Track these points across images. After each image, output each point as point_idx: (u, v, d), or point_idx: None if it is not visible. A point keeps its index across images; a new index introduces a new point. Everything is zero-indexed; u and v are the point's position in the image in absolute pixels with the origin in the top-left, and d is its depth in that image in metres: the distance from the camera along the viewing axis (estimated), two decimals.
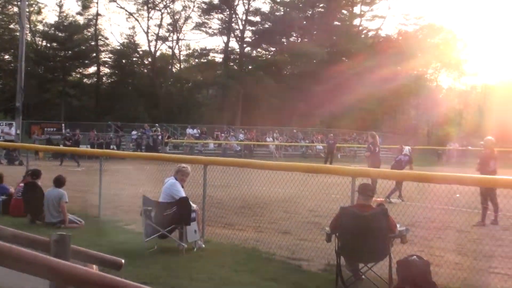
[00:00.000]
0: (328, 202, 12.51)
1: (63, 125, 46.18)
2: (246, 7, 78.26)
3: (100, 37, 76.06)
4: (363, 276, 8.60)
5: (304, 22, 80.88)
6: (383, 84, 68.01)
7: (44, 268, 2.05)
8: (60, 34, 72.30)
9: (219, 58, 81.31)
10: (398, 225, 8.62)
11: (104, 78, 79.67)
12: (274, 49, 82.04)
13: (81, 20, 75.00)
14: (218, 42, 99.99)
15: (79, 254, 3.09)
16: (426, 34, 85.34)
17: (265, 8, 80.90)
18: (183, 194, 10.87)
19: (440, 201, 10.62)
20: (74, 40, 72.72)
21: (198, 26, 78.47)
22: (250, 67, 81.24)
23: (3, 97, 62.20)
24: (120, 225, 13.49)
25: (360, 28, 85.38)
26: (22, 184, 14.62)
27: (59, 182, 13.57)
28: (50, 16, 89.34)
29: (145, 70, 79.90)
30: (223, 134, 56.58)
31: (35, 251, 2.25)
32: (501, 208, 14.68)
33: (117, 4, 75.26)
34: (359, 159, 52.80)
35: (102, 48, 77.20)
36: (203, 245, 10.98)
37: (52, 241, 2.90)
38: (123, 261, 3.38)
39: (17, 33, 48.91)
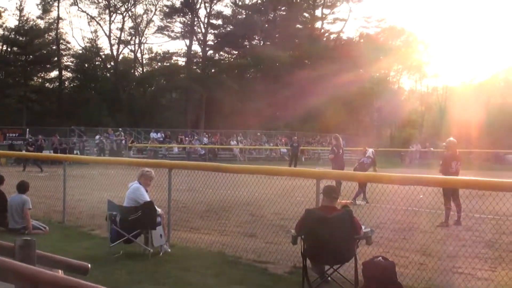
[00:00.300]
0: (293, 204, 12.52)
1: (27, 130, 45.59)
2: (208, 10, 78.42)
3: (61, 41, 75.62)
4: (329, 278, 8.63)
5: (266, 26, 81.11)
6: (346, 86, 68.45)
7: (9, 273, 2.04)
8: (20, 38, 71.57)
9: (181, 61, 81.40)
10: (363, 227, 8.66)
11: (66, 83, 79.09)
12: (237, 52, 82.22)
13: (42, 24, 74.49)
14: (180, 46, 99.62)
15: (44, 259, 3.06)
16: (388, 37, 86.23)
17: (227, 11, 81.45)
18: (148, 198, 10.82)
19: (404, 203, 10.71)
20: (35, 44, 72.03)
21: (160, 29, 78.46)
22: (213, 70, 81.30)
23: None
24: (85, 230, 13.37)
25: (322, 31, 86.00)
26: None
27: (22, 188, 13.41)
28: (10, 20, 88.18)
29: (108, 74, 79.47)
30: (187, 138, 56.43)
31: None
32: (463, 209, 14.84)
33: (79, 7, 75.00)
34: (323, 162, 53.02)
35: (64, 52, 76.70)
36: (169, 250, 10.94)
37: (16, 247, 2.87)
38: (89, 265, 3.36)
39: None
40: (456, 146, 16.00)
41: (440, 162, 16.02)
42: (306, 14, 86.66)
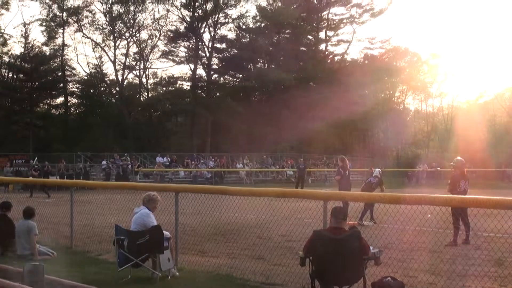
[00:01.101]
0: (300, 226, 12.50)
1: (35, 158, 45.62)
2: (212, 34, 78.68)
3: (67, 67, 75.91)
4: None
5: (271, 48, 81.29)
6: (351, 107, 68.50)
7: None
8: (26, 65, 71.96)
9: (186, 86, 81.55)
10: (371, 247, 8.64)
11: (72, 109, 79.39)
12: (241, 75, 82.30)
13: (47, 50, 74.89)
14: (185, 70, 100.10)
15: (53, 283, 3.07)
16: (392, 58, 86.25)
17: (231, 35, 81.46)
18: (156, 223, 10.82)
19: (412, 222, 10.68)
20: (40, 71, 72.42)
21: (165, 54, 78.69)
22: (218, 94, 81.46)
23: None
24: (93, 255, 13.36)
25: (326, 53, 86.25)
26: None
27: (28, 213, 13.41)
28: (15, 47, 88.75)
29: (113, 100, 79.68)
30: (193, 162, 56.42)
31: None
32: (472, 228, 14.79)
33: (83, 34, 75.25)
34: (330, 183, 52.90)
35: (69, 79, 77.04)
36: (177, 273, 10.90)
37: (25, 272, 2.89)
38: None
39: None
40: (464, 165, 15.96)
41: (448, 181, 15.98)
42: (310, 37, 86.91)
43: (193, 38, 77.79)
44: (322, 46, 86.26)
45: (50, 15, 73.84)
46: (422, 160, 66.76)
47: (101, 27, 75.76)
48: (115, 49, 76.81)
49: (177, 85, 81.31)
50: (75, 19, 74.34)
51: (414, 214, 9.84)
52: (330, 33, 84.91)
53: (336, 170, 23.45)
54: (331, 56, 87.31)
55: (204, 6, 76.43)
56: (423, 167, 62.24)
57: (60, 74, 75.28)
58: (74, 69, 77.66)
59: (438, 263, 11.30)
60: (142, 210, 10.93)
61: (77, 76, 78.13)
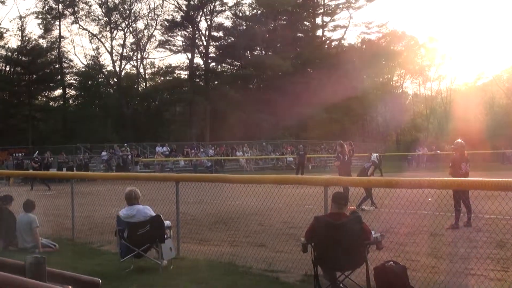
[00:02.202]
0: (301, 212, 12.52)
1: (37, 151, 45.48)
2: (209, 23, 78.55)
3: (64, 59, 75.78)
4: (341, 285, 8.60)
5: (267, 36, 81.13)
6: (349, 92, 68.48)
7: None
8: (23, 58, 71.87)
9: (184, 75, 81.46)
10: (372, 232, 8.64)
11: (70, 100, 79.34)
12: (239, 63, 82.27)
13: (44, 43, 74.70)
14: (182, 59, 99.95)
15: (55, 276, 3.05)
16: (389, 42, 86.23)
17: (228, 23, 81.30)
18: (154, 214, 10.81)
19: (413, 206, 10.68)
20: (38, 64, 72.34)
21: (162, 44, 78.66)
22: (216, 82, 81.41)
23: None
24: (95, 246, 13.37)
25: (323, 38, 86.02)
26: None
27: (28, 206, 13.42)
28: (12, 40, 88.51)
29: (111, 90, 79.63)
30: (193, 151, 56.40)
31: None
32: (473, 210, 14.79)
33: (80, 25, 75.13)
34: (330, 169, 52.95)
35: (67, 71, 76.92)
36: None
37: (27, 264, 2.87)
38: (100, 281, 3.35)
39: None
40: (465, 147, 15.94)
41: (449, 164, 15.97)
42: (306, 23, 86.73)
43: (190, 27, 77.68)
44: (319, 32, 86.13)
45: (46, 8, 73.75)
46: (422, 144, 66.77)
47: (97, 18, 75.71)
48: (112, 40, 76.83)
49: (174, 75, 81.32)
50: (71, 11, 74.24)
51: (415, 198, 9.84)
52: (326, 19, 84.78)
53: (336, 155, 23.39)
54: (328, 41, 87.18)
55: None
56: (423, 150, 62.25)
57: (57, 66, 75.19)
58: (71, 61, 77.65)
59: (440, 246, 11.32)
60: (137, 207, 10.81)
61: (75, 68, 78.17)
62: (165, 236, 10.71)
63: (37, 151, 44.24)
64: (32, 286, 2.04)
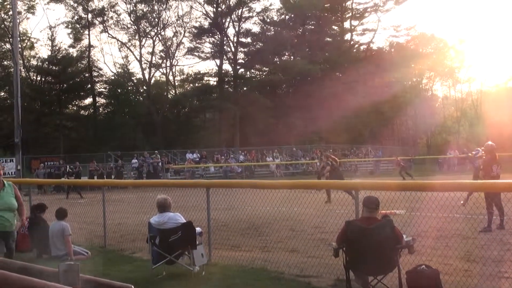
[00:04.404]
0: (332, 217, 12.47)
1: (60, 161, 45.78)
2: (237, 29, 78.63)
3: (94, 68, 76.38)
4: None
5: (296, 40, 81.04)
6: (379, 96, 68.21)
7: None
8: (54, 68, 72.56)
9: (213, 81, 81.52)
10: (404, 236, 8.61)
11: (100, 109, 79.90)
12: (267, 68, 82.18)
13: (73, 52, 75.35)
14: (211, 66, 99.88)
15: (88, 283, 3.09)
16: (418, 44, 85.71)
17: (256, 29, 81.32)
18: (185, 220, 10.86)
19: (445, 209, 10.61)
20: (68, 73, 72.97)
21: (191, 51, 78.83)
22: (244, 88, 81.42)
23: (1, 134, 62.15)
24: (127, 253, 13.46)
25: (352, 42, 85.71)
26: (27, 219, 14.59)
27: (60, 214, 13.53)
28: (43, 50, 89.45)
29: (141, 98, 80.00)
30: (223, 157, 56.51)
31: None
32: (506, 212, 14.66)
33: (109, 34, 75.65)
34: (360, 173, 52.84)
35: (96, 79, 77.53)
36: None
37: (61, 271, 2.90)
38: (132, 287, 3.38)
39: (12, 70, 49.02)
40: (495, 149, 15.80)
41: (480, 166, 15.84)
42: (335, 27, 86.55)
43: (218, 33, 77.83)
44: (347, 36, 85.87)
45: (76, 17, 74.39)
46: (453, 146, 66.20)
47: (126, 27, 76.15)
48: (141, 48, 77.20)
49: (203, 81, 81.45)
50: (100, 20, 74.78)
51: (447, 201, 9.79)
52: (354, 23, 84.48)
53: (325, 166, 25.50)
54: (356, 45, 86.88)
55: (228, 1, 76.49)
56: (454, 153, 61.68)
57: (87, 75, 75.80)
58: (101, 69, 78.22)
59: (473, 249, 11.21)
60: (169, 215, 10.86)
61: (104, 77, 78.71)
62: (197, 243, 10.76)
63: (68, 166, 44.55)
64: (39, 285, 2.07)
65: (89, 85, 76.01)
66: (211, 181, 16.54)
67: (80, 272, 3.01)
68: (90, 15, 74.36)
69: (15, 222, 9.57)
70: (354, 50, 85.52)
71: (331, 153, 26.98)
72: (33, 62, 74.27)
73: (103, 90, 79.08)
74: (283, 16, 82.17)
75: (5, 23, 66.83)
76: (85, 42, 75.48)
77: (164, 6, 75.53)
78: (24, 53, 71.25)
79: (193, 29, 78.08)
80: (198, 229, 10.96)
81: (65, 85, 73.50)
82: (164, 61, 79.36)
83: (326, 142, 66.02)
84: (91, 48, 75.60)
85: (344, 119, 65.57)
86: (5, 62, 69.48)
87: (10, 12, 58.54)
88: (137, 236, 14.42)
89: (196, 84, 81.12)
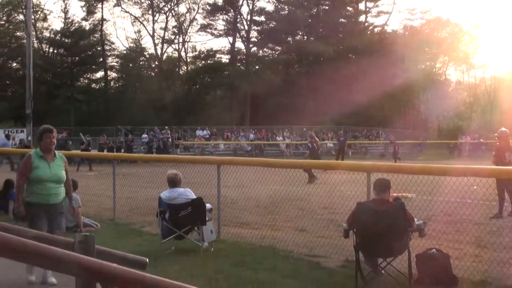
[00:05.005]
0: (342, 199, 12.43)
1: (81, 134, 45.46)
2: (251, 7, 78.31)
3: (106, 42, 76.18)
4: (382, 271, 8.56)
5: (309, 20, 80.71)
6: (391, 79, 67.90)
7: (73, 265, 2.01)
8: (66, 40, 72.50)
9: (225, 59, 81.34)
10: (415, 219, 8.56)
11: (111, 83, 79.81)
12: (280, 48, 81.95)
13: (86, 25, 75.15)
14: (224, 43, 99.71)
15: (103, 254, 3.05)
16: (433, 28, 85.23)
17: (270, 7, 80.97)
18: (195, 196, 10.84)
19: (457, 194, 10.53)
20: (80, 46, 72.86)
21: (204, 27, 78.58)
22: (257, 67, 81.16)
23: (13, 105, 62.30)
24: (136, 227, 13.47)
25: (366, 24, 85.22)
26: None
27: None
28: (55, 22, 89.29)
29: (153, 74, 79.95)
30: (233, 135, 56.49)
31: None
32: None
33: (122, 8, 75.41)
34: (371, 155, 52.77)
35: (108, 53, 77.33)
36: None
37: (76, 242, 2.86)
38: (147, 260, 3.34)
39: (24, 41, 49.03)
40: (509, 136, 15.69)
41: (493, 153, 15.75)
42: (349, 8, 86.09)
43: (231, 11, 77.57)
44: (362, 18, 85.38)
45: None
46: (465, 132, 66.01)
47: (139, 1, 75.84)
48: (153, 23, 76.96)
49: (216, 59, 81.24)
50: None
51: (459, 186, 9.71)
52: (370, 4, 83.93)
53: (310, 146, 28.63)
54: (371, 27, 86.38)
55: None
56: (465, 139, 61.50)
57: (99, 48, 75.66)
58: (113, 43, 78.03)
59: (483, 235, 11.16)
60: (179, 190, 10.84)
61: (116, 51, 78.48)
62: (206, 219, 10.76)
63: (81, 133, 44.47)
64: (85, 262, 2.02)
65: (101, 59, 75.88)
66: (222, 158, 16.51)
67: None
68: None
69: (62, 195, 8.93)
70: (368, 33, 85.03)
71: (314, 135, 30.87)
72: (46, 34, 74.25)
73: (115, 64, 79.07)
74: None
75: None
76: (98, 15, 75.32)
77: None
78: (37, 24, 71.08)
79: (207, 6, 77.87)
80: (208, 206, 10.96)
81: (77, 58, 73.43)
82: (177, 37, 79.23)
83: (337, 124, 65.86)
84: (104, 22, 75.45)
85: (356, 101, 65.26)
86: (18, 33, 69.50)
87: None
88: (147, 210, 14.42)
89: (208, 61, 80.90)
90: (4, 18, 69.85)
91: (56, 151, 8.93)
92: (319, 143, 33.16)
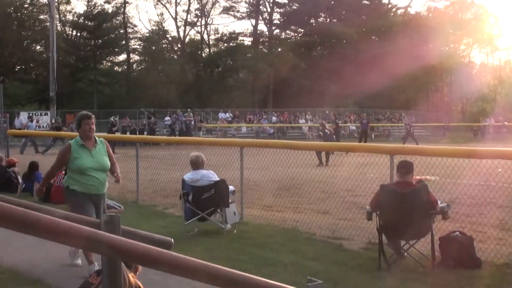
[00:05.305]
0: (365, 181, 12.44)
1: (113, 118, 45.41)
2: None
3: (128, 24, 76.29)
4: (405, 254, 8.55)
5: (332, 2, 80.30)
6: (415, 62, 67.36)
7: (102, 244, 2.04)
8: (89, 23, 72.67)
9: (248, 41, 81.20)
10: (439, 202, 8.54)
11: (134, 66, 79.99)
12: (303, 30, 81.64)
13: (109, 8, 75.19)
14: (246, 26, 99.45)
15: (129, 234, 3.10)
16: (457, 10, 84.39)
17: None
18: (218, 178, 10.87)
19: (481, 177, 10.50)
20: (103, 29, 73.00)
21: (226, 10, 78.41)
22: (279, 49, 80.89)
23: (37, 88, 62.72)
24: (159, 209, 13.56)
25: (389, 6, 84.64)
26: (63, 172, 14.74)
27: None
28: (78, 5, 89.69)
29: (175, 56, 79.99)
30: (255, 117, 56.49)
31: None
32: None
33: None
34: (393, 138, 52.58)
35: (131, 36, 77.42)
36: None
37: (102, 222, 2.90)
38: (172, 240, 3.40)
39: (48, 24, 49.16)
40: None
41: None
42: None
43: None
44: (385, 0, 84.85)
45: None
46: (489, 115, 65.47)
47: None
48: (176, 6, 76.98)
49: (238, 41, 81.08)
50: None
51: (484, 169, 9.67)
52: None
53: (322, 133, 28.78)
54: (394, 9, 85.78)
55: None
56: (489, 121, 61.02)
57: (122, 31, 75.78)
58: (135, 26, 78.15)
59: (507, 218, 11.10)
60: (202, 172, 10.85)
61: (139, 33, 78.64)
62: (229, 201, 10.80)
63: (113, 117, 44.54)
64: (112, 241, 2.05)
65: (124, 42, 76.02)
66: (245, 140, 16.52)
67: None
68: None
69: (107, 185, 8.62)
70: (391, 14, 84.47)
71: (326, 122, 32.52)
72: (69, 17, 74.48)
73: (138, 47, 79.15)
74: None
75: None
76: None
77: None
78: (60, 7, 71.30)
79: None
80: (230, 188, 10.99)
81: (100, 41, 73.62)
82: (199, 19, 79.16)
83: (360, 106, 65.63)
84: (127, 5, 75.55)
85: (379, 83, 64.93)
86: (42, 16, 69.68)
87: None
88: (170, 192, 14.51)
89: (231, 44, 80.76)
90: (28, 1, 70.09)
91: (96, 137, 8.45)
92: (340, 124, 33.29)
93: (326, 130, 28.74)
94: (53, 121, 38.29)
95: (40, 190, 8.91)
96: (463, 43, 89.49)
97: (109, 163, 8.43)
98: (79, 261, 8.57)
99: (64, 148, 8.47)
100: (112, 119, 40.38)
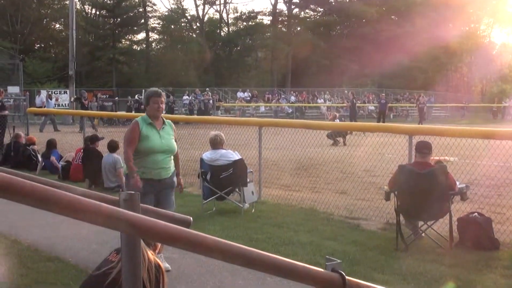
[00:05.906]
0: (383, 162, 12.41)
1: (137, 96, 45.20)
2: None
3: (148, 3, 76.18)
4: (423, 234, 8.54)
5: None
6: (434, 42, 66.96)
7: (122, 222, 2.06)
8: (108, 2, 72.62)
9: (267, 20, 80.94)
10: (457, 182, 8.51)
11: (153, 44, 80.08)
12: (322, 9, 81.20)
13: None
14: (265, 4, 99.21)
15: (148, 212, 3.12)
16: None
17: None
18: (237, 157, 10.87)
19: (500, 158, 10.44)
20: (122, 7, 72.93)
21: None
22: (298, 28, 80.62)
23: (56, 66, 62.90)
24: (178, 188, 13.57)
25: None
26: (82, 150, 14.86)
27: (112, 147, 13.68)
28: None
29: (194, 35, 79.90)
30: (274, 97, 56.41)
31: None
32: None
33: None
34: (412, 118, 52.36)
35: (150, 14, 77.42)
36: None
37: (121, 200, 2.92)
38: (191, 219, 3.41)
39: (67, 2, 49.27)
40: None
41: None
42: None
43: None
44: None
45: None
46: (509, 95, 64.96)
47: None
48: None
49: (257, 20, 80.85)
50: None
51: (503, 150, 9.62)
52: None
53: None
54: None
55: None
56: (509, 102, 60.54)
57: (141, 10, 75.78)
58: (154, 4, 78.41)
59: None
60: (221, 151, 10.82)
61: (158, 12, 78.63)
62: (247, 180, 10.83)
63: (137, 95, 44.53)
64: (135, 219, 2.07)
65: (143, 20, 76.06)
66: (264, 119, 16.49)
67: None
68: None
69: (173, 169, 7.78)
70: None
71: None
72: None
73: (156, 25, 79.19)
74: None
75: None
76: None
77: None
78: None
79: None
80: (249, 168, 11.01)
81: (118, 19, 73.60)
82: None
83: (379, 86, 65.40)
84: None
85: (398, 63, 64.61)
86: None
87: None
88: (188, 171, 14.53)
89: (250, 23, 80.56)
90: None
91: (163, 118, 7.83)
92: (356, 103, 33.76)
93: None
94: (80, 95, 38.43)
95: (135, 182, 7.32)
96: (484, 23, 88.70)
97: (176, 146, 7.79)
98: (166, 265, 7.20)
99: (133, 124, 7.60)
100: (137, 97, 40.50)
